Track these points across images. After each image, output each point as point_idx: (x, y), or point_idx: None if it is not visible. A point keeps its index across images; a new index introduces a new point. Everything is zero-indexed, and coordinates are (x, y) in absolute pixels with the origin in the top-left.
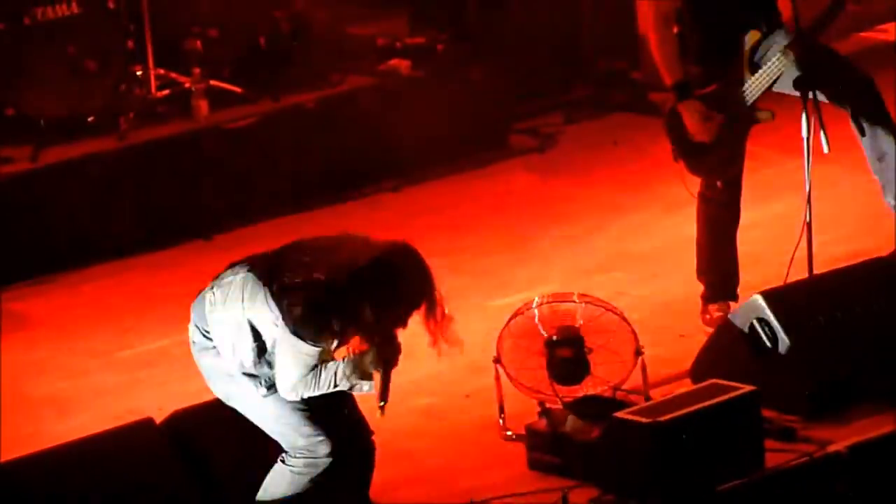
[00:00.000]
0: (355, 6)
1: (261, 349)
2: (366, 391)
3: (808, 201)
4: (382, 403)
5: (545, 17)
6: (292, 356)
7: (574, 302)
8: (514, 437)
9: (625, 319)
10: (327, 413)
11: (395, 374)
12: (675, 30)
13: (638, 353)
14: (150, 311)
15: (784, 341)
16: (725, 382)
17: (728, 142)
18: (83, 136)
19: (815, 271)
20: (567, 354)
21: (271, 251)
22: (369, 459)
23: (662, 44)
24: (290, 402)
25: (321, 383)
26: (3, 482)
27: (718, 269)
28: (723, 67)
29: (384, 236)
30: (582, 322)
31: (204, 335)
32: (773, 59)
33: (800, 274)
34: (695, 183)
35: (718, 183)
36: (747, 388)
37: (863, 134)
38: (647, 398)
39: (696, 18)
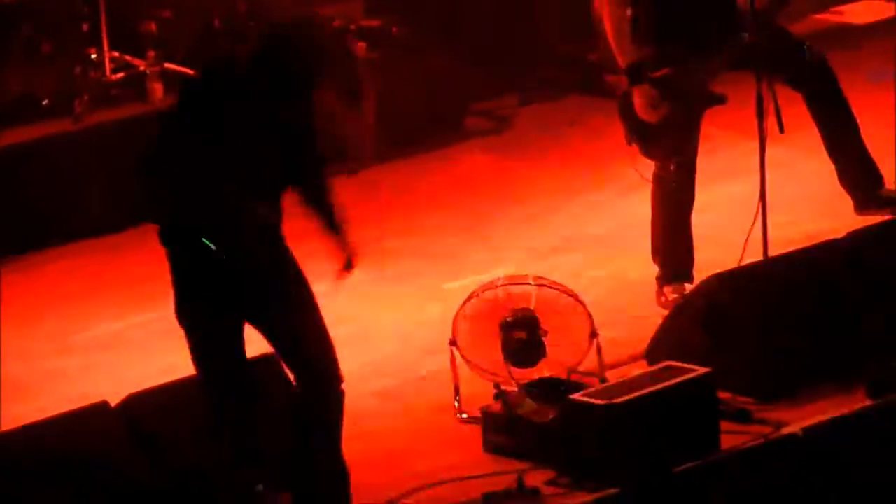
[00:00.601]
0: None
1: None
2: None
3: (763, 183)
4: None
5: None
6: None
7: (529, 284)
8: (469, 419)
9: (580, 301)
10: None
11: (351, 358)
12: (629, 12)
13: (593, 335)
14: (106, 294)
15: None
16: (680, 364)
17: (680, 125)
18: (38, 118)
19: (770, 253)
20: (522, 336)
21: None
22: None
23: (616, 26)
24: None
25: None
26: None
27: (673, 250)
28: (676, 49)
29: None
30: (537, 304)
31: None
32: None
33: (755, 256)
34: (648, 165)
35: (671, 165)
36: (702, 370)
37: (818, 115)
38: (603, 380)
39: (652, 0)
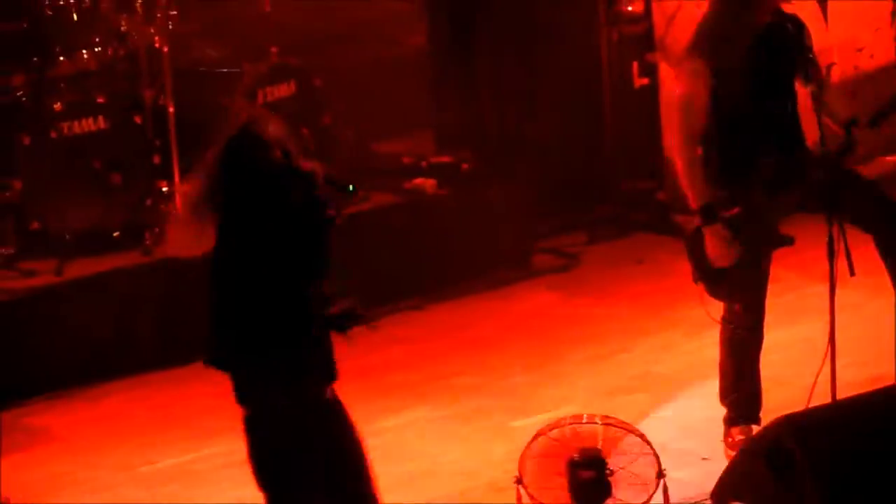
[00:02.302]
0: (381, 123)
1: None
2: None
3: (832, 325)
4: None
5: (569, 136)
6: None
7: (596, 423)
8: None
9: (647, 442)
10: None
11: (417, 495)
12: (699, 151)
13: (660, 475)
14: (172, 426)
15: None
16: None
17: (747, 266)
18: (108, 250)
19: (839, 396)
20: (589, 476)
21: None
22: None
23: (689, 166)
24: None
25: None
26: None
27: (741, 391)
28: (746, 189)
29: (406, 354)
30: (604, 443)
31: None
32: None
33: (823, 398)
34: (718, 306)
35: (737, 306)
36: None
37: (887, 257)
38: None
39: (721, 139)
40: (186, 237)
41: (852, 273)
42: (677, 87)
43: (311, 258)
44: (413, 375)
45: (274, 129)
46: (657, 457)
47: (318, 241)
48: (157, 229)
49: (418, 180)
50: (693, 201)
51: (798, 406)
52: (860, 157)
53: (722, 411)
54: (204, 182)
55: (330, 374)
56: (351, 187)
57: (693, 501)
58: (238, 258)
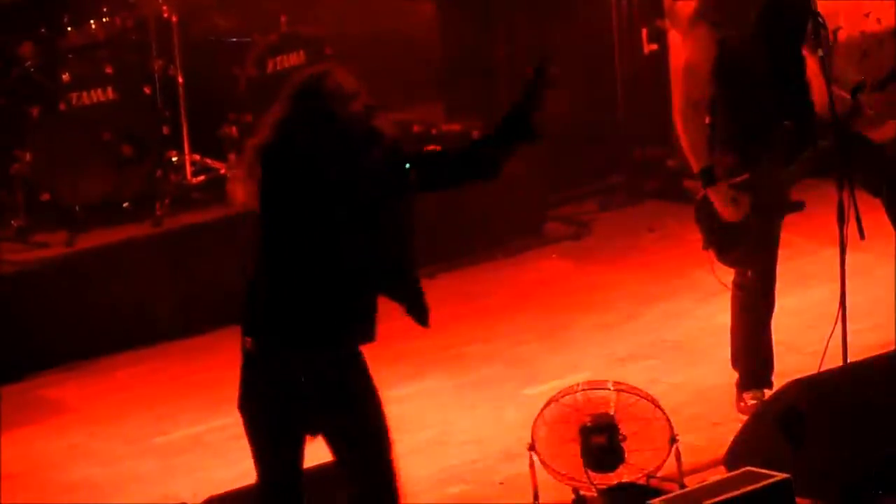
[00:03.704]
0: (392, 93)
1: None
2: None
3: (843, 289)
4: None
5: (580, 105)
6: None
7: (608, 389)
8: None
9: (659, 407)
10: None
11: (430, 463)
12: (707, 120)
13: (672, 440)
14: (186, 397)
15: (816, 430)
16: (759, 470)
17: (757, 232)
18: (119, 221)
19: (850, 359)
20: (601, 442)
21: None
22: None
23: (690, 131)
24: None
25: None
26: None
27: (753, 356)
28: (755, 157)
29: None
30: (616, 409)
31: None
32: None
33: (834, 362)
34: (728, 272)
35: (748, 272)
36: (781, 475)
37: None
38: (682, 486)
39: (729, 108)
40: (248, 191)
41: (862, 237)
42: (683, 53)
43: (385, 224)
44: (425, 344)
45: (353, 82)
46: (669, 422)
47: (395, 207)
48: (167, 200)
49: (429, 148)
50: (694, 165)
51: (810, 370)
52: (869, 121)
53: (733, 376)
54: (271, 134)
55: (369, 335)
56: (408, 165)
57: (705, 466)
58: (297, 213)
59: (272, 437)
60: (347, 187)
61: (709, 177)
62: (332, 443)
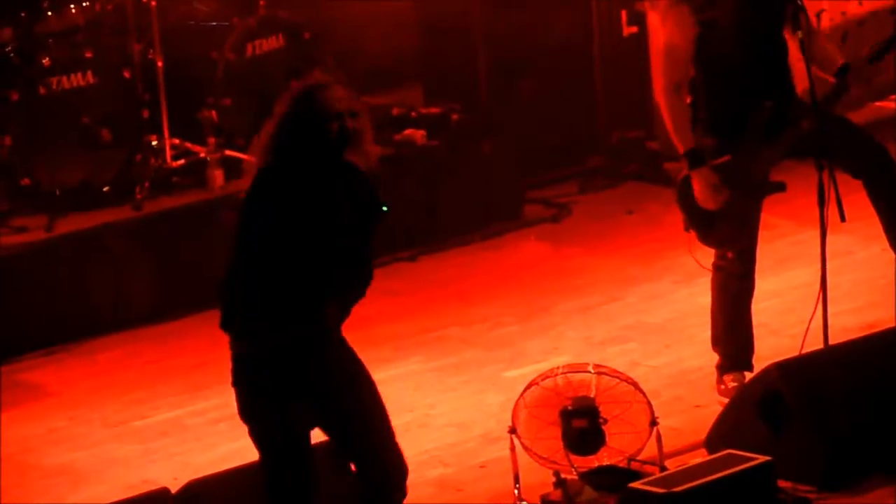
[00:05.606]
0: (371, 76)
1: None
2: None
3: (823, 271)
4: None
5: (559, 87)
6: None
7: (589, 372)
8: None
9: (640, 390)
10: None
11: (410, 446)
12: (688, 100)
13: (653, 423)
14: (165, 381)
15: (797, 413)
16: (740, 453)
17: (738, 213)
18: (98, 205)
19: (830, 342)
20: (582, 424)
21: None
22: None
23: (674, 112)
24: None
25: None
26: None
27: (733, 339)
28: (736, 138)
29: (399, 306)
30: (597, 392)
31: None
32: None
33: (815, 344)
34: (708, 253)
35: (729, 254)
36: (762, 458)
37: (878, 203)
38: (663, 468)
39: (709, 89)
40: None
41: (843, 219)
42: (662, 35)
43: (355, 233)
44: (405, 327)
45: (340, 98)
46: (650, 405)
47: (365, 223)
48: (146, 184)
49: (408, 131)
50: (679, 147)
51: (790, 353)
52: (850, 103)
53: (714, 359)
54: (268, 132)
55: (330, 317)
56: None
57: (686, 449)
58: (271, 227)
59: (263, 416)
60: (325, 216)
61: (695, 158)
62: (326, 428)
